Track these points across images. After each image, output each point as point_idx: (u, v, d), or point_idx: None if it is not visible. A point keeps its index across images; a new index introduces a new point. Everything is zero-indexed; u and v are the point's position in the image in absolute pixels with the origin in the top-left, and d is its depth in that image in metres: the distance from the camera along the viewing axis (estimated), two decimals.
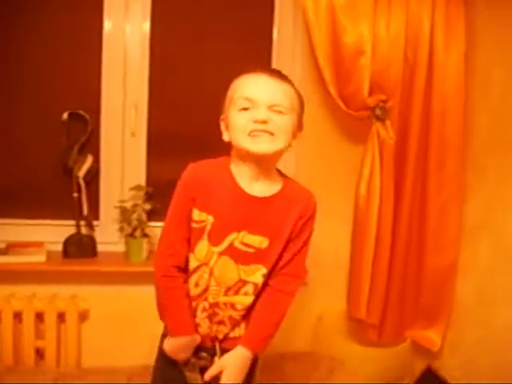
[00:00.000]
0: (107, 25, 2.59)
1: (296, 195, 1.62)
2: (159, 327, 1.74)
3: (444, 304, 2.65)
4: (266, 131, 1.49)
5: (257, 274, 1.58)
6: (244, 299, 1.60)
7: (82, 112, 2.56)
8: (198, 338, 1.63)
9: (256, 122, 1.48)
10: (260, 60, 2.66)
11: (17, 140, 2.61)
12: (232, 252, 1.57)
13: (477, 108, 2.56)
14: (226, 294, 1.59)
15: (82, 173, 2.54)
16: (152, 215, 2.58)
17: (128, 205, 2.57)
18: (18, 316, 2.45)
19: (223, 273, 1.58)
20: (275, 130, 1.50)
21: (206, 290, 1.60)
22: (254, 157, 1.53)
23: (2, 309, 2.43)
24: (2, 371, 2.33)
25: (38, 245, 2.56)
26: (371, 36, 2.36)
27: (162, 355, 1.69)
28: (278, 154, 1.57)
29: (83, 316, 2.55)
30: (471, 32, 2.47)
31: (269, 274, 1.61)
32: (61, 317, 2.49)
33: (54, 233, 2.61)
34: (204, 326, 1.64)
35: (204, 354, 1.65)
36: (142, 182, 2.66)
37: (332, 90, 2.42)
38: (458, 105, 2.47)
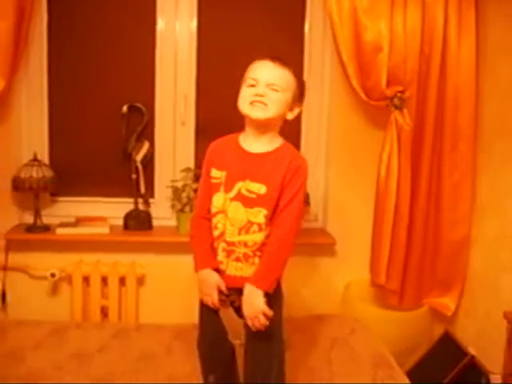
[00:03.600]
0: (160, 24, 2.88)
1: (286, 154, 1.98)
2: None
3: (458, 273, 2.87)
4: (261, 102, 1.91)
5: (260, 216, 1.94)
6: (253, 237, 1.96)
7: (139, 105, 2.90)
8: (216, 276, 2.00)
9: (256, 95, 1.92)
10: (293, 55, 2.93)
11: (85, 131, 2.99)
12: (240, 197, 1.96)
13: (486, 96, 2.75)
14: (239, 233, 1.96)
15: (139, 157, 2.92)
16: None
17: (179, 184, 2.91)
18: (86, 279, 2.83)
19: (235, 215, 1.96)
20: (269, 102, 1.92)
21: (223, 232, 1.99)
22: (253, 121, 1.95)
23: (73, 273, 2.81)
24: (73, 326, 2.70)
25: (103, 219, 2.94)
26: (388, 33, 2.59)
27: (201, 305, 2.10)
28: (271, 120, 1.95)
29: (141, 280, 2.91)
30: (482, 25, 2.66)
31: (270, 216, 1.95)
32: (122, 280, 2.86)
33: (115, 209, 2.97)
34: (225, 264, 2.00)
35: (231, 292, 1.99)
36: (191, 164, 2.99)
37: (354, 83, 2.69)
38: (470, 93, 2.69)
